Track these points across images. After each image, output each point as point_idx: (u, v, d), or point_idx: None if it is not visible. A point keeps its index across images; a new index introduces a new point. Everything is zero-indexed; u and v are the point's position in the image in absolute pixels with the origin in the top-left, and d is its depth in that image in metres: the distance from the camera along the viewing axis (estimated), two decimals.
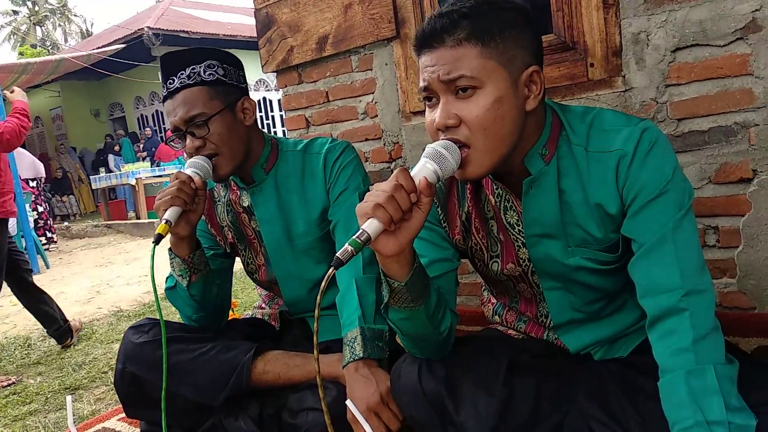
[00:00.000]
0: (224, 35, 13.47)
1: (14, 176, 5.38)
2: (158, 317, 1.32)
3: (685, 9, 1.56)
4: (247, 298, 3.67)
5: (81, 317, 3.89)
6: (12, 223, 4.57)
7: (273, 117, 15.13)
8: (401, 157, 2.23)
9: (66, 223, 11.42)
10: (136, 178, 9.65)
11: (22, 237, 6.18)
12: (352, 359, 1.28)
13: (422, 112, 2.09)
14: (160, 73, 1.40)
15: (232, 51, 1.46)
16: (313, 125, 2.49)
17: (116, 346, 2.94)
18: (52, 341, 3.36)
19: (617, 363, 1.15)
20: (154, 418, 1.41)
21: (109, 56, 12.34)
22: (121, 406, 1.48)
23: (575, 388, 1.10)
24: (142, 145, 12.97)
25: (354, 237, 0.89)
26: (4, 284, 3.06)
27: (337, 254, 0.88)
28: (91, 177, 11.52)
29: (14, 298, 3.36)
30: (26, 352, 3.34)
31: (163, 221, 1.26)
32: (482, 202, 1.17)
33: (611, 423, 1.02)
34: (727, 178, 1.57)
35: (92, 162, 14.43)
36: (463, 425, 1.06)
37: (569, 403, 1.09)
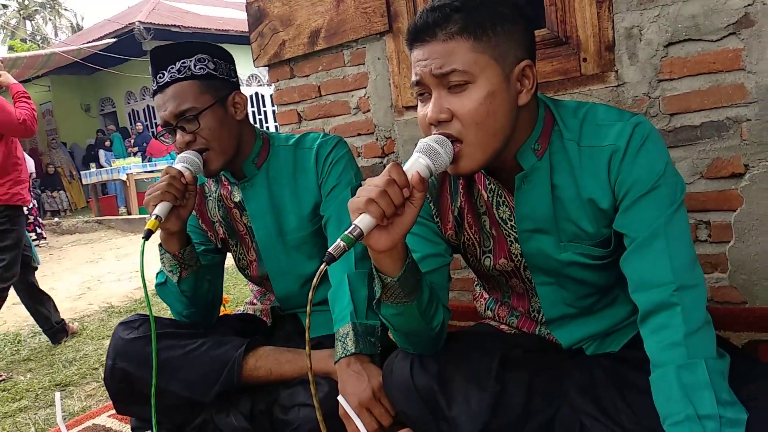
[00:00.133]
0: (216, 29, 13.40)
1: None
2: (148, 313, 1.31)
3: (678, 4, 1.56)
4: (238, 294, 3.66)
5: (72, 314, 3.87)
6: None
7: (265, 112, 15.08)
8: (394, 152, 2.23)
9: (56, 219, 11.35)
10: (127, 174, 9.59)
11: None
12: (344, 355, 1.28)
13: (415, 107, 2.08)
14: (150, 68, 1.39)
15: (224, 46, 1.45)
16: (305, 120, 2.47)
17: (107, 343, 2.92)
18: (43, 338, 3.34)
19: (609, 358, 1.15)
20: (144, 415, 1.40)
21: (100, 51, 12.25)
22: (111, 402, 1.47)
23: (567, 383, 1.11)
24: (133, 140, 12.89)
25: (346, 232, 0.88)
26: None
27: (329, 249, 0.87)
28: (81, 172, 11.45)
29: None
30: (16, 348, 3.32)
31: (153, 217, 1.25)
32: (475, 198, 1.17)
33: (603, 418, 1.03)
34: (719, 173, 1.58)
35: (83, 157, 14.33)
36: (455, 420, 1.06)
37: (561, 397, 1.09)
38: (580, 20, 1.73)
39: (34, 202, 8.23)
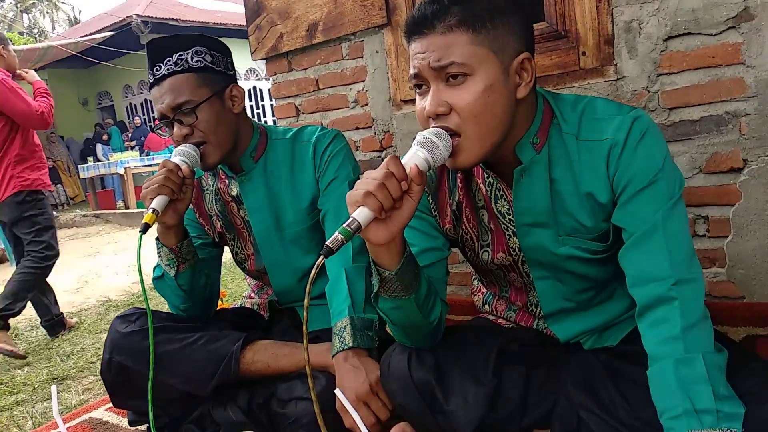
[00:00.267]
0: (214, 23, 13.33)
1: None
2: (145, 307, 1.30)
3: None
4: (236, 288, 3.65)
5: (69, 307, 3.86)
6: None
7: (263, 106, 15.03)
8: (392, 146, 2.22)
9: (54, 213, 11.31)
10: (124, 168, 9.57)
11: None
12: (341, 348, 1.27)
13: (413, 101, 2.07)
14: (147, 60, 1.38)
15: (222, 39, 1.44)
16: (303, 113, 2.47)
17: (104, 337, 2.92)
18: (40, 331, 3.34)
19: (607, 352, 1.15)
20: (141, 408, 1.40)
21: (98, 44, 12.18)
22: (108, 396, 1.47)
23: (564, 377, 1.11)
24: (130, 134, 12.84)
25: (344, 225, 0.88)
26: (5, 267, 3.08)
27: (326, 243, 0.87)
28: (79, 166, 11.40)
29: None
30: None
31: (150, 210, 1.25)
32: (473, 191, 1.16)
33: (600, 411, 1.02)
34: (717, 168, 1.57)
35: (80, 151, 14.28)
36: (453, 414, 1.06)
37: (558, 392, 1.09)
38: (580, 14, 1.72)
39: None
